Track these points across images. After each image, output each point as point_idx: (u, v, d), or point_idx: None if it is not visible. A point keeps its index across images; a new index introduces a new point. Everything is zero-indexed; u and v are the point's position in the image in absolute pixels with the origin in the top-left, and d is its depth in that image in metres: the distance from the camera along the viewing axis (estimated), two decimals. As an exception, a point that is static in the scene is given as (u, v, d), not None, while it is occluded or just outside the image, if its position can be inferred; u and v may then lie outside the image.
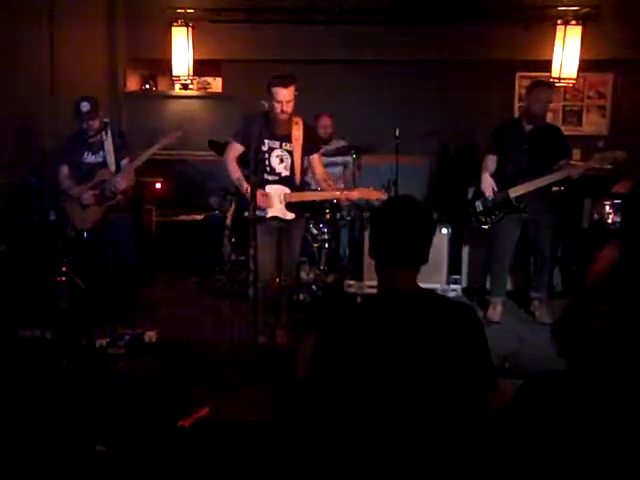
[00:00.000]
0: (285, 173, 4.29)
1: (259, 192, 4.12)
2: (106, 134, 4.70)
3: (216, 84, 7.29)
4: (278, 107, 4.08)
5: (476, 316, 2.04)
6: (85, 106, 4.53)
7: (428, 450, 1.90)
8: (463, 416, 1.95)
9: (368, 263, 5.33)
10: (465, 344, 1.95)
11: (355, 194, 4.37)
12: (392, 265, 2.04)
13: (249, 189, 4.16)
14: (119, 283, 4.83)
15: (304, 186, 4.55)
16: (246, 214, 4.25)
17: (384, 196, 4.49)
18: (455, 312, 2.01)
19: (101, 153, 4.71)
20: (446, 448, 1.91)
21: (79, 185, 4.72)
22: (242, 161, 4.41)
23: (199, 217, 6.52)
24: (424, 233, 2.03)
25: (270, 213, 4.23)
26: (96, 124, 4.64)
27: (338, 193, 4.38)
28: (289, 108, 4.11)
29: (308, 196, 4.50)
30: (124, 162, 4.78)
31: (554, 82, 6.37)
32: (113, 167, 4.73)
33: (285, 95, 4.07)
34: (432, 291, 2.08)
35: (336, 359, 1.98)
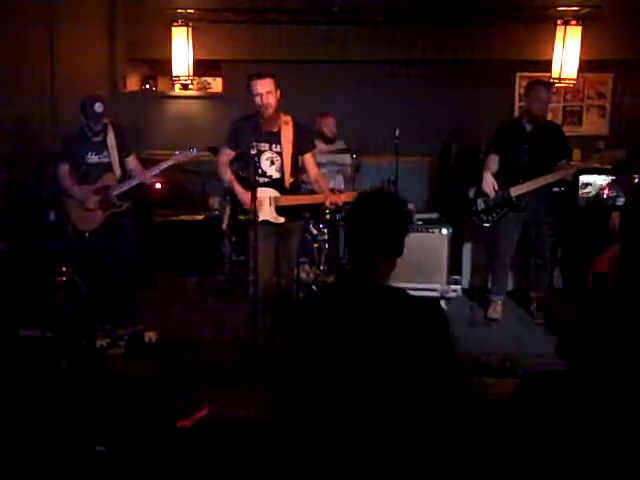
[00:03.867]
0: (276, 175, 4.22)
1: (249, 195, 4.11)
2: (106, 134, 4.70)
3: (216, 84, 7.29)
4: (258, 100, 4.04)
5: (442, 319, 1.99)
6: (99, 107, 4.52)
7: (382, 446, 1.89)
8: (422, 417, 1.92)
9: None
10: (425, 345, 1.91)
11: (342, 197, 4.21)
12: (359, 256, 2.03)
13: (242, 192, 4.19)
14: (120, 284, 4.83)
15: (297, 188, 4.43)
16: (240, 217, 4.26)
17: None
18: (419, 313, 1.98)
19: (105, 153, 4.69)
20: (403, 445, 1.89)
21: (80, 185, 4.69)
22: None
23: (199, 217, 6.52)
24: (389, 223, 2.01)
25: (261, 217, 4.12)
26: (103, 125, 4.66)
27: (323, 197, 4.20)
28: (270, 100, 4.04)
29: (297, 200, 4.31)
30: (129, 159, 4.79)
31: (553, 82, 6.38)
32: (118, 167, 4.73)
33: (262, 86, 4.03)
34: (400, 289, 2.05)
35: (298, 352, 2.01)
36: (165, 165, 4.76)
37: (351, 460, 1.89)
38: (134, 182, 4.72)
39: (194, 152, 4.78)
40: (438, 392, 1.94)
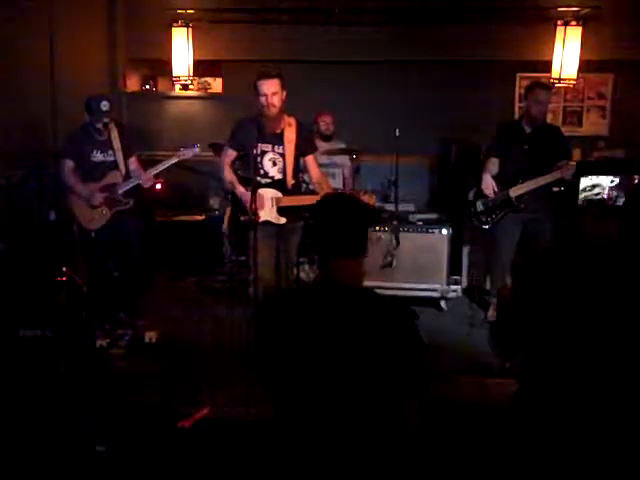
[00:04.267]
0: (278, 176, 4.24)
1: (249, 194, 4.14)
2: (110, 132, 4.71)
3: (216, 84, 7.28)
4: (264, 100, 4.03)
5: (409, 320, 2.00)
6: (105, 105, 4.55)
7: (343, 442, 1.91)
8: (382, 417, 1.94)
9: (368, 263, 5.32)
10: (390, 346, 1.92)
11: None
12: (324, 256, 2.08)
13: (246, 194, 4.20)
14: (124, 283, 4.84)
15: (298, 188, 4.45)
16: (242, 218, 4.27)
17: (373, 200, 4.48)
18: (387, 314, 1.99)
19: (110, 152, 4.71)
20: (361, 442, 1.91)
21: (86, 183, 4.70)
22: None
23: (199, 217, 6.52)
24: (350, 224, 2.06)
25: (262, 217, 4.13)
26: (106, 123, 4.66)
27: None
28: (275, 101, 4.04)
29: (298, 200, 4.28)
30: (131, 160, 4.80)
31: (553, 83, 6.38)
32: (123, 166, 4.74)
33: (269, 86, 4.02)
34: (367, 289, 2.09)
35: (267, 346, 2.05)
36: (169, 163, 4.80)
37: (324, 458, 1.91)
38: (134, 182, 4.74)
39: (196, 149, 4.79)
40: (405, 387, 1.96)
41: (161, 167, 4.79)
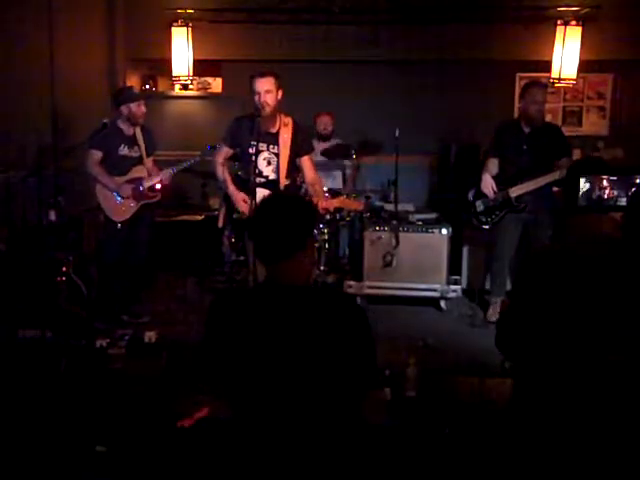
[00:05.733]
0: (272, 176, 4.23)
1: (241, 196, 4.19)
2: (135, 129, 4.77)
3: (216, 84, 7.28)
4: (257, 98, 4.05)
5: (360, 314, 2.01)
6: (135, 89, 4.80)
7: (302, 441, 1.92)
8: (339, 410, 1.95)
9: (368, 263, 5.34)
10: (342, 340, 1.93)
11: (334, 203, 4.31)
12: (265, 259, 2.04)
13: (235, 192, 4.22)
14: (131, 280, 4.87)
15: (297, 189, 4.45)
16: (235, 216, 4.28)
17: (361, 206, 4.49)
18: (337, 309, 1.99)
19: (135, 148, 4.80)
20: (320, 440, 1.92)
21: (111, 176, 4.74)
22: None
23: (199, 217, 6.52)
24: (281, 227, 1.99)
25: None
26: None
27: (314, 200, 4.10)
28: (269, 100, 4.04)
29: None
30: (148, 160, 4.86)
31: (553, 83, 6.39)
32: (147, 162, 4.82)
33: (262, 84, 4.03)
34: (312, 287, 2.09)
35: (217, 348, 2.06)
36: (189, 164, 4.89)
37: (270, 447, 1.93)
38: (156, 180, 4.82)
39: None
40: (353, 386, 1.96)
41: (180, 167, 4.86)
